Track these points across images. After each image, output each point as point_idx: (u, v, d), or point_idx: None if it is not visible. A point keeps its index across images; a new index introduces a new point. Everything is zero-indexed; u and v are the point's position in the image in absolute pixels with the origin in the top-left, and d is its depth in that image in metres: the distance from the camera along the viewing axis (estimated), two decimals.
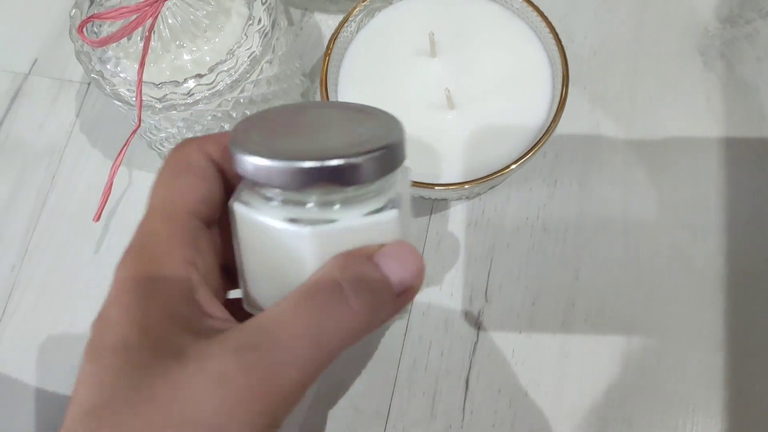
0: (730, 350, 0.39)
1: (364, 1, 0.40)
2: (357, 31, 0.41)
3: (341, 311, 0.21)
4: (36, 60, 0.50)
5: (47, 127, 0.48)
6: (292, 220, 0.22)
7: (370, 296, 0.22)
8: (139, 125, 0.35)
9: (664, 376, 0.39)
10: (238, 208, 0.23)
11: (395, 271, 0.22)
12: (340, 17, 0.41)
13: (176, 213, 0.23)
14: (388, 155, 0.23)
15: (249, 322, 0.21)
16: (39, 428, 0.41)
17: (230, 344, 0.20)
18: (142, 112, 0.36)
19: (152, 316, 0.21)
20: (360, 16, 0.41)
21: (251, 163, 0.22)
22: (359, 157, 0.22)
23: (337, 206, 0.23)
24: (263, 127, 0.24)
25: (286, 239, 0.22)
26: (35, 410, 0.41)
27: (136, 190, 0.45)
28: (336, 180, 0.22)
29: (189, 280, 0.23)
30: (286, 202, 0.23)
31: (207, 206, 0.24)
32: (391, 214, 0.23)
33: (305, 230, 0.22)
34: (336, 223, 0.22)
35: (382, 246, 0.23)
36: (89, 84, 0.48)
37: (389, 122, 0.25)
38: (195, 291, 0.23)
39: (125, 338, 0.21)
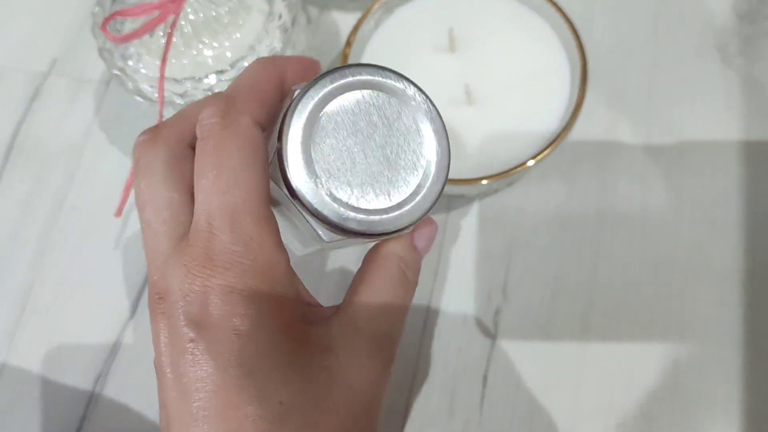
0: (750, 347, 0.38)
1: None
2: (375, 28, 0.41)
3: (411, 289, 0.28)
4: (55, 60, 0.50)
5: (66, 126, 0.48)
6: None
7: (417, 272, 0.28)
8: (160, 121, 0.35)
9: (684, 373, 0.38)
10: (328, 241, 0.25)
11: (425, 247, 0.28)
12: (358, 15, 0.41)
13: (262, 211, 0.24)
14: (425, 213, 0.25)
15: (354, 308, 0.26)
16: (58, 423, 0.41)
17: (366, 330, 0.26)
18: (164, 108, 0.36)
19: (289, 320, 0.24)
20: (378, 13, 0.41)
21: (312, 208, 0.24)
22: (402, 228, 0.24)
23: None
24: (319, 153, 0.24)
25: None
26: (54, 406, 0.41)
27: None
28: (379, 237, 0.25)
29: (295, 279, 0.26)
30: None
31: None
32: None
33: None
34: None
35: (416, 227, 0.27)
36: (108, 83, 0.49)
37: (439, 157, 0.25)
38: (298, 288, 0.26)
39: (278, 341, 0.23)
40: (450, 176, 0.33)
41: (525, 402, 0.39)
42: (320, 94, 0.24)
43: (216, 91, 0.35)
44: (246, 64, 0.35)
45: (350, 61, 0.40)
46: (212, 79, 0.35)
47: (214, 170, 0.23)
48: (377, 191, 0.24)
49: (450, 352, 0.40)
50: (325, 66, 0.47)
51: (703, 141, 0.43)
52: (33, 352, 0.43)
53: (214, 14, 0.35)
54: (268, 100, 0.26)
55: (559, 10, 0.39)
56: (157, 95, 0.34)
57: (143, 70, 0.36)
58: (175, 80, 0.35)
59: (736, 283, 0.40)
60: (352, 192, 0.24)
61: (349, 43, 0.40)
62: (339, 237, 0.25)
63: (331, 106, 0.24)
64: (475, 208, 0.43)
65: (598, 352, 0.39)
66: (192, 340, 0.23)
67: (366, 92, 0.24)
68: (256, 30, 0.36)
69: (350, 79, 0.24)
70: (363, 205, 0.24)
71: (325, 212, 0.24)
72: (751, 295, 0.39)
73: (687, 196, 0.42)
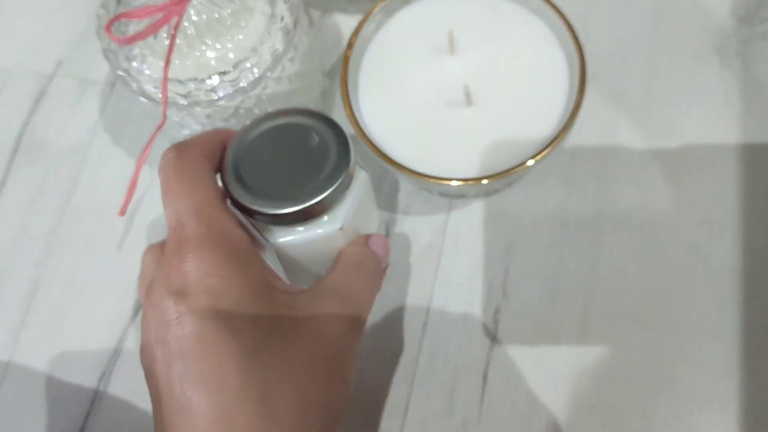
0: (747, 346, 0.39)
1: (383, 1, 0.41)
2: (376, 30, 0.42)
3: (372, 272, 0.34)
4: (60, 62, 0.51)
5: (71, 127, 0.49)
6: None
7: (376, 263, 0.34)
8: (164, 121, 0.36)
9: (681, 371, 0.39)
10: (282, 241, 0.33)
11: (379, 250, 0.35)
12: (359, 17, 0.41)
13: (220, 205, 0.30)
14: (341, 185, 0.32)
15: (319, 284, 0.32)
16: (62, 422, 0.41)
17: (334, 293, 0.31)
18: (167, 109, 0.36)
19: (254, 280, 0.29)
20: (379, 16, 0.42)
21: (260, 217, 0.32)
22: (325, 199, 0.31)
23: (325, 217, 0.32)
24: (248, 175, 0.32)
25: (320, 241, 0.33)
26: (59, 405, 0.42)
27: (158, 189, 0.46)
28: (314, 216, 0.32)
29: (258, 255, 0.31)
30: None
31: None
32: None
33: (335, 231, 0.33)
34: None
35: (369, 236, 0.35)
36: (113, 85, 0.49)
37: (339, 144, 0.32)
38: (263, 263, 0.31)
39: (246, 293, 0.28)
40: (450, 176, 0.35)
41: (524, 400, 0.39)
42: (250, 131, 0.33)
43: (219, 92, 0.36)
44: (248, 65, 0.36)
45: (351, 62, 0.40)
46: (215, 80, 0.35)
47: (177, 185, 0.30)
48: (290, 187, 0.31)
49: (450, 351, 0.40)
50: (327, 64, 0.48)
51: (702, 143, 0.43)
52: (38, 351, 0.43)
53: (216, 16, 0.36)
54: (213, 146, 0.32)
55: (558, 12, 0.40)
56: (160, 96, 0.35)
57: (147, 71, 0.36)
58: (179, 81, 0.35)
59: (734, 283, 0.40)
60: (272, 188, 0.31)
61: (350, 46, 0.40)
62: (280, 234, 0.32)
63: (256, 136, 0.33)
64: (475, 207, 0.43)
65: (597, 350, 0.40)
66: (176, 306, 0.27)
67: (285, 123, 0.33)
68: (259, 32, 0.36)
69: (273, 119, 0.33)
70: (279, 195, 0.31)
71: (254, 207, 0.31)
72: (748, 295, 0.40)
73: (685, 197, 0.42)
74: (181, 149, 0.31)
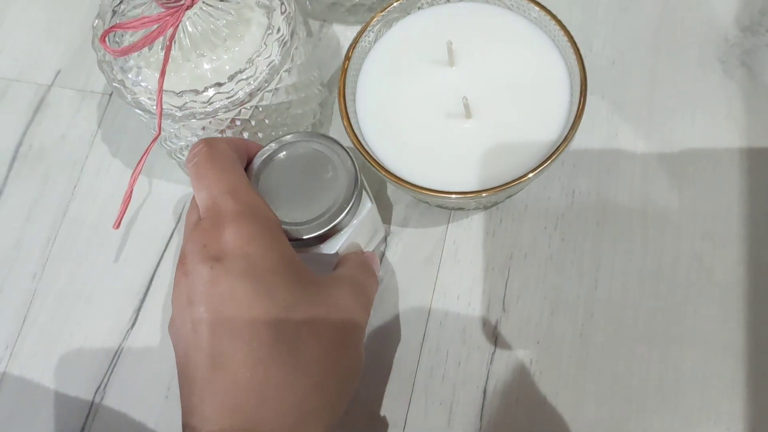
0: (752, 362, 0.38)
1: (382, 12, 0.41)
2: (375, 41, 0.42)
3: (372, 275, 0.37)
4: (59, 72, 0.50)
5: (69, 137, 0.48)
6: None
7: (374, 268, 0.37)
8: (159, 133, 0.36)
9: (684, 388, 0.38)
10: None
11: (372, 263, 0.38)
12: (358, 28, 0.41)
13: (252, 188, 0.33)
14: (342, 221, 0.35)
15: (336, 274, 0.35)
16: None
17: (345, 279, 0.34)
18: (163, 121, 0.36)
19: (286, 254, 0.32)
20: (378, 27, 0.41)
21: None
22: (325, 234, 0.34)
23: (323, 246, 0.36)
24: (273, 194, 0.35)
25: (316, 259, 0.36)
26: (54, 417, 0.41)
27: (156, 199, 0.46)
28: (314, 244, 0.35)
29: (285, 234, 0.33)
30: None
31: None
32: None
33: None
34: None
35: (363, 252, 0.38)
36: (110, 95, 0.49)
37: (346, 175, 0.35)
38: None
39: (280, 263, 0.31)
40: (450, 188, 0.35)
41: (524, 415, 0.38)
42: (271, 151, 0.35)
43: (215, 104, 0.35)
44: (245, 77, 0.35)
45: (349, 73, 0.40)
46: (211, 92, 0.35)
47: (210, 170, 0.32)
48: (302, 210, 0.34)
49: (449, 365, 0.40)
50: (326, 75, 0.48)
51: (705, 153, 0.43)
52: (34, 362, 0.43)
53: (212, 27, 0.35)
54: (239, 148, 0.34)
55: (558, 22, 0.39)
56: (156, 108, 0.34)
57: (142, 83, 0.36)
58: (174, 93, 0.35)
59: (738, 296, 0.39)
60: (286, 211, 0.34)
61: (348, 57, 0.40)
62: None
63: (278, 157, 0.35)
64: (475, 220, 0.43)
65: (598, 365, 0.39)
66: (211, 270, 0.30)
67: (302, 148, 0.35)
68: (255, 43, 0.36)
69: (291, 142, 0.36)
70: (291, 219, 0.34)
71: None
72: (753, 308, 0.39)
73: (688, 209, 0.42)
74: (211, 141, 0.33)
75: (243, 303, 0.30)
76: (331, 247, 0.36)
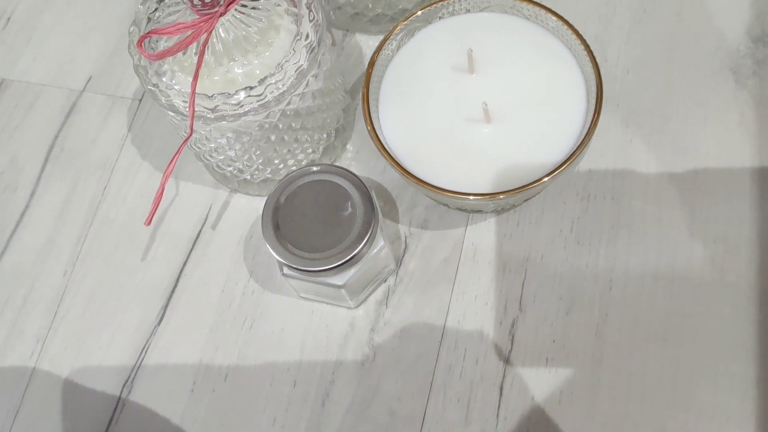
0: (763, 362, 0.39)
1: (404, 21, 0.42)
2: (397, 50, 0.43)
3: None
4: (90, 77, 0.52)
5: (100, 140, 0.50)
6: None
7: None
8: (191, 134, 0.37)
9: (698, 387, 0.39)
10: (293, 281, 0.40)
11: None
12: (380, 38, 0.42)
13: None
14: (353, 259, 0.37)
15: None
16: (86, 427, 0.42)
17: None
18: (195, 122, 0.37)
19: None
20: (400, 35, 0.43)
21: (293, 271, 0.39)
22: (337, 268, 0.37)
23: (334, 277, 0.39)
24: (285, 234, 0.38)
25: (324, 287, 0.40)
26: (83, 410, 0.43)
27: (183, 200, 0.47)
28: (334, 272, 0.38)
29: None
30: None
31: None
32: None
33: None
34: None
35: None
36: (140, 100, 0.51)
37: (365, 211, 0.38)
38: None
39: None
40: (468, 191, 0.36)
41: (540, 413, 0.39)
42: (297, 177, 0.39)
43: (245, 107, 0.37)
44: (274, 81, 0.37)
45: (373, 79, 0.41)
46: (242, 95, 0.36)
47: None
48: (317, 242, 0.37)
49: (467, 363, 0.41)
50: (349, 82, 0.49)
51: (717, 161, 0.44)
52: (63, 358, 0.44)
53: (244, 33, 0.37)
54: None
55: (575, 32, 0.41)
56: (188, 110, 0.36)
57: (176, 86, 0.37)
58: (207, 96, 0.36)
59: (750, 297, 0.40)
60: (302, 240, 0.37)
61: (372, 64, 0.42)
62: (300, 277, 0.39)
63: (302, 185, 0.39)
64: (492, 223, 0.44)
65: (613, 364, 0.40)
66: None
67: (326, 181, 0.38)
68: (284, 49, 0.38)
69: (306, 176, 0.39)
70: (306, 249, 0.37)
71: (284, 260, 0.38)
72: (764, 309, 0.40)
73: (701, 215, 0.43)
74: None
75: None
76: (340, 279, 0.38)
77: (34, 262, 0.47)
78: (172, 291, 0.45)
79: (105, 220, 0.47)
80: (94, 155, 0.49)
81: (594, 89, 0.40)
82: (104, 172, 0.49)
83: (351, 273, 0.38)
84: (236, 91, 0.36)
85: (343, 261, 0.37)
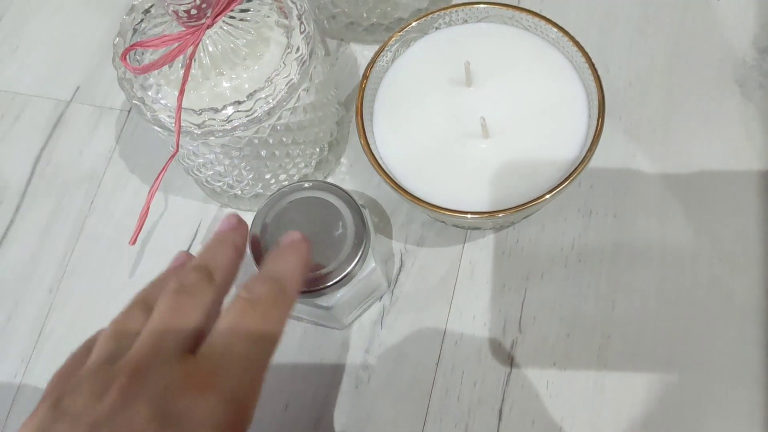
0: None
1: (399, 32, 0.41)
2: (392, 61, 0.42)
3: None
4: (78, 88, 0.51)
5: (87, 153, 0.49)
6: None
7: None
8: (176, 151, 0.36)
9: (704, 413, 0.38)
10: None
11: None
12: (376, 48, 0.41)
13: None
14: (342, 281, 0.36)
15: None
16: None
17: None
18: (181, 138, 0.36)
19: None
20: (396, 46, 0.41)
21: None
22: (326, 289, 0.36)
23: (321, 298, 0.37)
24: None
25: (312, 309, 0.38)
26: None
27: (172, 216, 0.46)
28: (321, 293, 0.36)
29: None
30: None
31: None
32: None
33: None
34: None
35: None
36: (129, 111, 0.49)
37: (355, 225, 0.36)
38: None
39: None
40: (466, 208, 0.35)
41: None
42: (289, 192, 0.37)
43: (234, 122, 0.35)
44: (263, 95, 0.35)
45: (366, 92, 0.40)
46: (230, 110, 0.35)
47: (255, 325, 0.28)
48: (318, 263, 0.35)
49: (465, 385, 0.40)
50: (343, 94, 0.48)
51: (722, 175, 0.43)
52: (49, 376, 0.42)
53: (232, 46, 0.36)
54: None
55: (576, 43, 0.39)
56: (174, 125, 0.35)
57: (162, 101, 0.36)
58: (193, 111, 0.35)
59: (758, 320, 0.39)
60: None
61: (366, 76, 0.40)
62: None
63: (293, 200, 0.37)
64: (490, 240, 0.43)
65: (615, 388, 0.39)
66: (150, 420, 0.25)
67: (318, 198, 0.37)
68: (274, 62, 0.36)
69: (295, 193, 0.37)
70: None
71: None
72: None
73: (706, 231, 0.41)
74: (291, 297, 0.31)
75: None
76: (327, 301, 0.37)
77: (18, 278, 0.45)
78: None
79: (92, 235, 0.46)
80: (81, 168, 0.48)
81: (596, 102, 0.39)
82: (91, 185, 0.47)
83: (339, 295, 0.37)
84: (224, 106, 0.35)
85: (331, 282, 0.35)
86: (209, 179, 0.42)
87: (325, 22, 0.48)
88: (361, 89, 0.40)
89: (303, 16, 0.37)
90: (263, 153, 0.39)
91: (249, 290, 0.29)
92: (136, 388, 0.26)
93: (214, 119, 0.35)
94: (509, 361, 0.40)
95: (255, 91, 0.35)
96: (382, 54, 0.41)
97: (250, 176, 0.41)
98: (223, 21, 0.35)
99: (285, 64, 0.36)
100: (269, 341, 0.29)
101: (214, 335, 0.28)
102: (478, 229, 0.43)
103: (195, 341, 0.28)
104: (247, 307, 0.29)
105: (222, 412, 0.26)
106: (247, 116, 0.35)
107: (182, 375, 0.27)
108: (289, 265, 0.31)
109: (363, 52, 0.49)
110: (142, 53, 0.38)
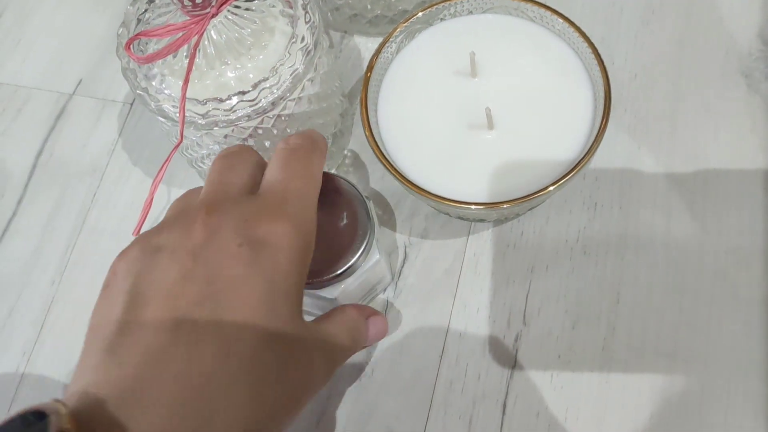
0: None
1: (404, 23, 0.41)
2: (397, 52, 0.42)
3: (355, 341, 0.35)
4: (80, 80, 0.51)
5: (90, 145, 0.48)
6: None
7: (362, 340, 0.36)
8: (181, 141, 0.36)
9: (708, 405, 0.37)
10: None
11: (371, 334, 0.37)
12: (380, 40, 0.41)
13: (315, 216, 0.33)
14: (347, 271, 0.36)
15: (320, 326, 0.34)
16: None
17: (328, 342, 0.33)
18: (185, 129, 0.36)
19: (302, 288, 0.31)
20: (400, 37, 0.41)
21: None
22: (330, 279, 0.36)
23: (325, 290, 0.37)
24: None
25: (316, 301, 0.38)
26: None
27: None
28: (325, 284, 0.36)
29: None
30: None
31: None
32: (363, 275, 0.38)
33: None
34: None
35: (373, 312, 0.37)
36: (131, 104, 0.49)
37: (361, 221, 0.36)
38: None
39: (295, 291, 0.31)
40: (471, 200, 0.35)
41: (545, 430, 0.38)
42: None
43: (238, 112, 0.35)
44: (268, 85, 0.35)
45: (371, 83, 0.40)
46: (234, 100, 0.35)
47: (303, 166, 0.32)
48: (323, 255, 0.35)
49: (469, 378, 0.39)
50: (347, 86, 0.48)
51: (728, 168, 0.42)
52: (50, 369, 0.43)
53: (237, 36, 0.35)
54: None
55: (583, 34, 0.39)
56: (179, 115, 0.34)
57: (166, 91, 0.36)
58: (197, 101, 0.35)
59: (763, 312, 0.39)
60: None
61: (370, 68, 0.40)
62: None
63: None
64: (495, 232, 0.42)
65: (620, 381, 0.38)
66: (239, 246, 0.29)
67: (324, 187, 0.35)
68: (279, 52, 0.36)
69: None
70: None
71: None
72: None
73: (711, 224, 0.41)
74: (322, 143, 0.35)
75: (247, 301, 0.28)
76: (331, 293, 0.36)
77: (21, 271, 0.45)
78: None
79: (94, 228, 0.46)
80: (83, 161, 0.48)
81: (601, 94, 0.38)
82: (94, 178, 0.47)
83: (343, 286, 0.36)
84: (228, 96, 0.35)
85: (335, 274, 0.35)
86: None
87: (329, 14, 0.48)
88: (366, 80, 0.40)
89: (308, 6, 0.37)
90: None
91: (286, 142, 0.33)
92: (217, 222, 0.29)
93: (219, 109, 0.35)
94: (514, 353, 0.40)
95: (260, 81, 0.35)
96: (387, 45, 0.40)
97: None
98: (228, 10, 0.35)
99: (290, 54, 0.36)
100: (315, 180, 0.33)
101: (268, 178, 0.32)
102: (483, 221, 0.42)
103: (252, 188, 0.32)
104: (290, 154, 0.33)
105: (295, 238, 0.30)
106: (251, 106, 0.35)
107: (255, 209, 0.30)
108: (310, 131, 0.35)
109: (366, 45, 0.49)
110: (146, 43, 0.37)
